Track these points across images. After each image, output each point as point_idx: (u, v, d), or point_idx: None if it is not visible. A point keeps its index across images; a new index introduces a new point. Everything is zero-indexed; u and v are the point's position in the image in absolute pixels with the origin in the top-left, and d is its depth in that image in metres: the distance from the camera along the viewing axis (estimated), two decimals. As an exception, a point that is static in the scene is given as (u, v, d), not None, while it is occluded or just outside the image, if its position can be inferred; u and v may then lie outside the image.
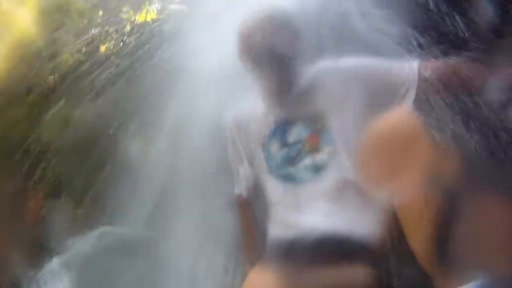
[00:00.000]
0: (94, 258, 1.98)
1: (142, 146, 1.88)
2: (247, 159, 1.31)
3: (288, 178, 1.24)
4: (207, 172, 1.64)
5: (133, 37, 1.99)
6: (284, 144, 1.24)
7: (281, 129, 1.25)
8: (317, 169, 1.19)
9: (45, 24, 2.63)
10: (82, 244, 2.12)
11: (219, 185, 1.58)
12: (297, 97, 1.21)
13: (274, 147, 1.26)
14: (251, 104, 1.31)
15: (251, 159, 1.31)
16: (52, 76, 2.33)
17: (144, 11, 2.10)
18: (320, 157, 1.18)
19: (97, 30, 2.15)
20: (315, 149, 1.19)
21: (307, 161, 1.21)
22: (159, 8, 2.10)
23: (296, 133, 1.22)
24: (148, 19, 2.10)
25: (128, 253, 1.95)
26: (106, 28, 2.15)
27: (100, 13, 2.21)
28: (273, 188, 1.28)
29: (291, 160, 1.23)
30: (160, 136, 1.81)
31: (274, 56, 1.14)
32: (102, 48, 2.13)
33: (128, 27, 2.12)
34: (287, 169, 1.24)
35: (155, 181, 1.88)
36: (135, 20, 2.11)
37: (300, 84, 1.19)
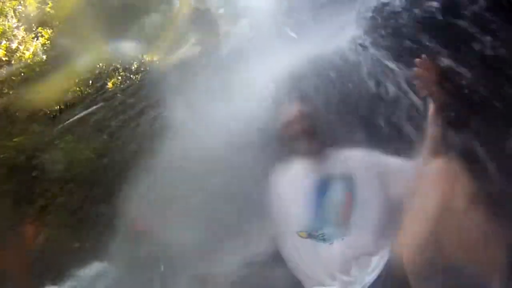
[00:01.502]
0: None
1: (143, 186, 1.83)
2: (277, 218, 1.41)
3: (322, 236, 1.33)
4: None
5: (139, 75, 1.96)
6: (321, 203, 1.36)
7: (319, 188, 1.37)
8: (350, 226, 1.31)
9: (55, 52, 2.64)
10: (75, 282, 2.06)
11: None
12: (330, 163, 1.39)
13: (311, 207, 1.36)
14: (286, 170, 1.45)
15: (280, 219, 1.41)
16: (58, 106, 2.32)
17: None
18: (354, 214, 1.32)
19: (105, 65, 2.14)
20: (349, 208, 1.33)
21: (342, 218, 1.33)
22: (168, 48, 2.07)
23: (333, 191, 1.36)
24: (155, 58, 2.08)
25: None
26: (114, 63, 2.13)
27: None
28: (304, 247, 1.35)
29: (329, 218, 1.33)
30: (160, 178, 1.76)
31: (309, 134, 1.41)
32: (110, 84, 2.11)
33: (135, 65, 2.10)
34: (323, 227, 1.34)
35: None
36: (142, 58, 2.09)
37: (332, 154, 1.40)
